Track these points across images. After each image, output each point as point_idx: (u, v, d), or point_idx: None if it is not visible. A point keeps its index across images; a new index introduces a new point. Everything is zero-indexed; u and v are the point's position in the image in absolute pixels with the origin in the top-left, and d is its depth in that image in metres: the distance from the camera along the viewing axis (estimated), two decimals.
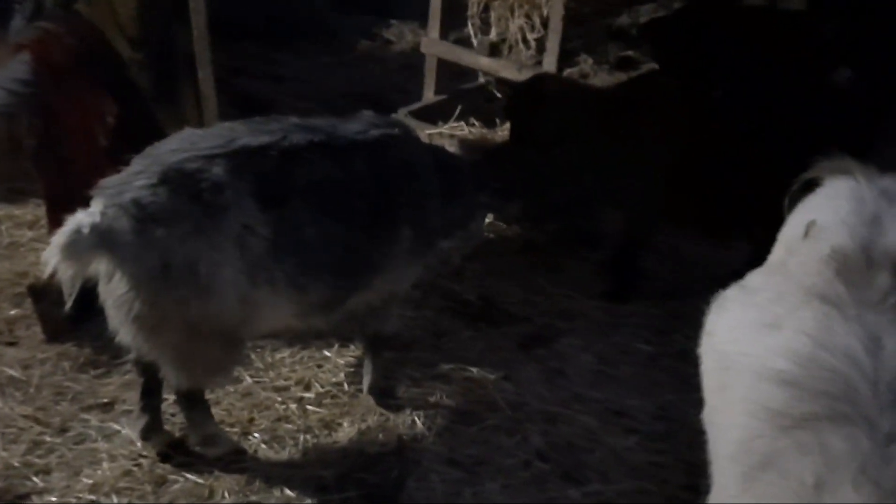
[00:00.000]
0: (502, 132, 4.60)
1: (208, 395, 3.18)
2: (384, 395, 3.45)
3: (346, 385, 3.53)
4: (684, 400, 3.33)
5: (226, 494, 2.97)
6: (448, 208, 3.36)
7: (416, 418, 3.36)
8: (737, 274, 2.38)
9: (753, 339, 2.10)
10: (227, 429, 3.25)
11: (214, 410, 3.24)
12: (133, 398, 3.18)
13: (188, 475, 3.04)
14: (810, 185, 2.46)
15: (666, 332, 3.94)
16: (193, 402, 3.01)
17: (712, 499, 2.12)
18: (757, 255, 2.60)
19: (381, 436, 3.28)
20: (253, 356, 3.60)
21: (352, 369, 3.61)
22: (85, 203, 2.69)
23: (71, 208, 2.66)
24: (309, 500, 2.97)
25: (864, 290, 1.96)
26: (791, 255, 2.26)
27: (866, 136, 3.82)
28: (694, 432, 2.34)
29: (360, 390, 3.48)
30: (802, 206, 2.38)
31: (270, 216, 2.80)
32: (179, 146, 2.80)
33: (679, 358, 3.67)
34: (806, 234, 2.21)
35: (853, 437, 1.68)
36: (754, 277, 2.33)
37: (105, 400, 3.38)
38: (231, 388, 3.44)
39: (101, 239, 2.57)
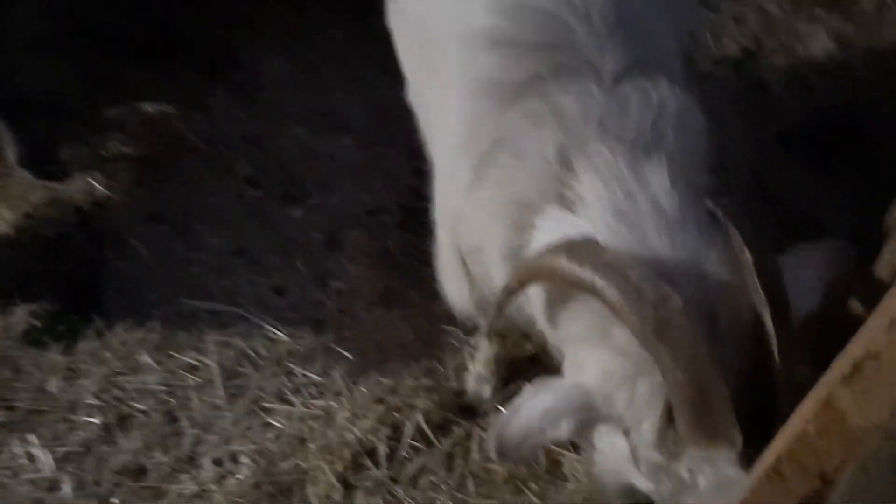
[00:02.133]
0: None
1: None
2: (43, 164, 2.86)
3: None
4: (391, 84, 3.04)
5: None
6: None
7: (93, 181, 2.87)
8: None
9: None
10: None
11: None
12: None
13: None
14: None
15: (362, 12, 3.50)
16: None
17: (439, 185, 1.93)
18: None
19: (54, 213, 2.78)
20: None
21: None
22: None
23: None
24: None
25: None
26: None
27: None
28: (407, 114, 2.18)
29: (11, 167, 2.86)
30: None
31: None
32: None
33: (377, 39, 3.29)
34: None
35: (584, 91, 1.54)
36: None
37: None
38: None
39: None
